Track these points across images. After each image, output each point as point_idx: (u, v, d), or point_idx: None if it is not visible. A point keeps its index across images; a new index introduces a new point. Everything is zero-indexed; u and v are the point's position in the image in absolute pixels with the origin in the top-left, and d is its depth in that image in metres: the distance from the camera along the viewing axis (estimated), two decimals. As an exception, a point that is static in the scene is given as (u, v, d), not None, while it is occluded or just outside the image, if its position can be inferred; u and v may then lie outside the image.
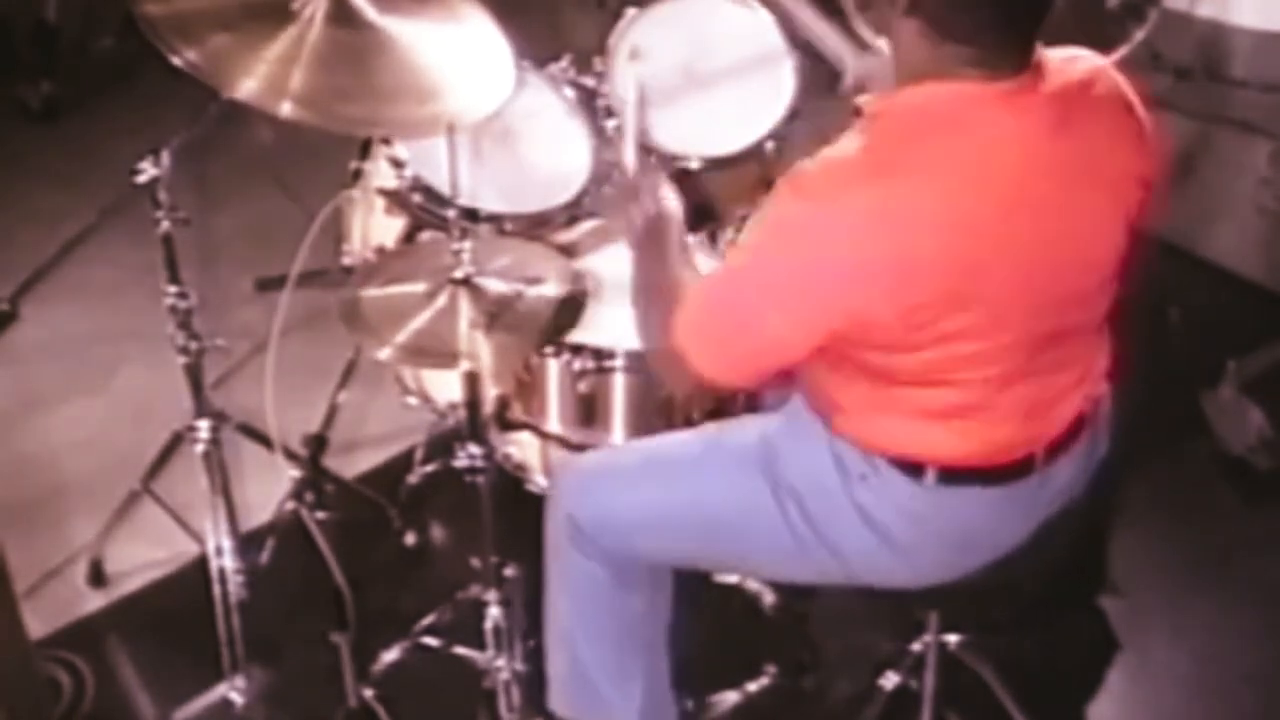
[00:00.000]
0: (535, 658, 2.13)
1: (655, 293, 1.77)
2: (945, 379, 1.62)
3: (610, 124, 2.48)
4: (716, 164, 2.49)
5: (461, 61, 1.99)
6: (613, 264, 2.30)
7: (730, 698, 2.28)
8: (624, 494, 1.93)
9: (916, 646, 2.14)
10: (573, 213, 2.39)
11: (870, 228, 1.49)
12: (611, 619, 1.99)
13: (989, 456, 1.70)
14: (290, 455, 2.51)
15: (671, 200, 1.89)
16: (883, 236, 1.49)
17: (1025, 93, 1.54)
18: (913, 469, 1.69)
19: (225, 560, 2.23)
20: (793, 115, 2.49)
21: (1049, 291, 1.59)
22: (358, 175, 2.46)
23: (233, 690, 2.25)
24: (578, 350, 2.16)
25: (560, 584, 2.00)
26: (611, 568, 1.94)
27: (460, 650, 2.24)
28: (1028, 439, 1.71)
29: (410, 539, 2.63)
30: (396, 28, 1.95)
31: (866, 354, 1.60)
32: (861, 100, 1.60)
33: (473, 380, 1.94)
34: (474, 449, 1.97)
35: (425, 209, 2.29)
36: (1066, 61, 1.60)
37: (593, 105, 2.48)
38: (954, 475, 1.70)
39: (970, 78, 1.52)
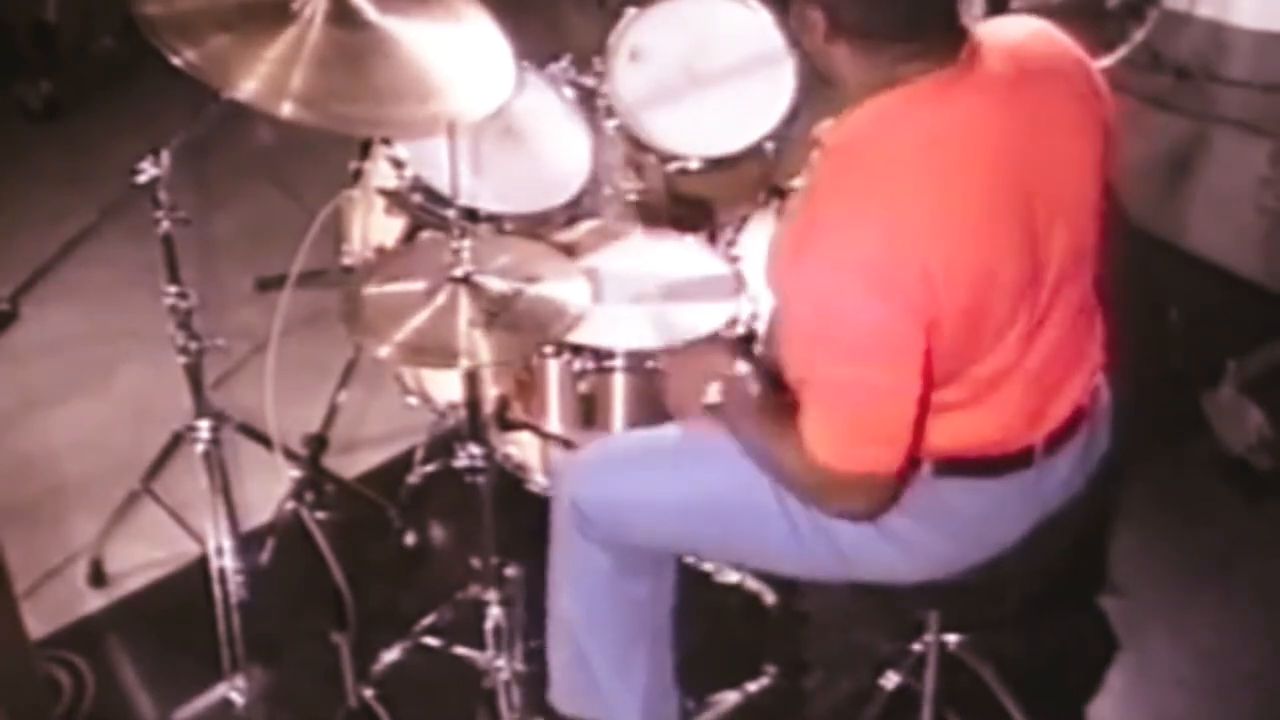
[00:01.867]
0: (535, 658, 2.13)
1: (767, 443, 1.71)
2: (959, 372, 1.61)
3: (611, 124, 2.48)
4: (716, 164, 2.49)
5: (461, 61, 1.99)
6: (613, 264, 2.30)
7: (730, 698, 2.28)
8: (627, 480, 1.93)
9: (916, 646, 2.14)
10: (573, 213, 2.39)
11: (883, 270, 1.48)
12: (614, 606, 1.99)
13: (986, 449, 1.70)
14: (290, 455, 2.50)
15: (739, 366, 1.82)
16: (893, 252, 1.48)
17: (967, 73, 1.54)
18: (910, 461, 1.68)
19: (225, 560, 2.23)
20: (793, 115, 2.49)
21: (1037, 264, 1.59)
22: (358, 175, 2.46)
23: (233, 690, 2.25)
24: (578, 350, 2.16)
25: (564, 572, 2.00)
26: (614, 554, 1.94)
27: (460, 650, 2.24)
28: (1026, 431, 1.71)
29: (410, 539, 2.63)
30: (396, 28, 1.95)
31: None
32: (820, 129, 1.60)
33: (473, 380, 1.94)
34: (474, 449, 1.98)
35: (425, 209, 2.29)
36: (996, 28, 1.60)
37: (593, 105, 2.48)
38: (951, 467, 1.70)
39: (913, 76, 1.52)
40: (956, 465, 1.70)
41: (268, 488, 2.55)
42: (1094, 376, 1.78)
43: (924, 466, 1.69)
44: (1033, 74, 1.59)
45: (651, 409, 2.15)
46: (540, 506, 2.06)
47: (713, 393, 1.77)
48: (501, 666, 2.10)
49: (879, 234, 1.49)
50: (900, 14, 1.52)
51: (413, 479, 2.65)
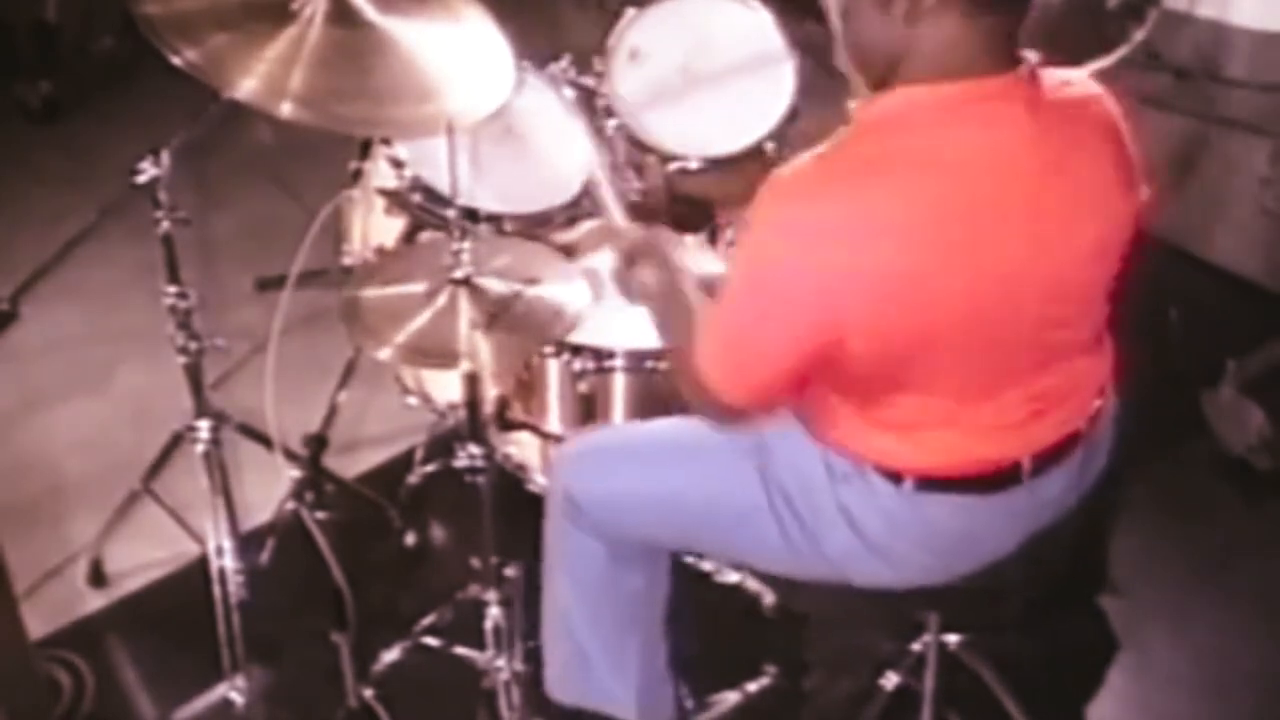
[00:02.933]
0: (535, 657, 2.12)
1: (679, 336, 1.75)
2: (915, 389, 1.61)
3: (611, 124, 2.48)
4: (716, 164, 2.49)
5: (461, 61, 1.99)
6: (613, 264, 2.30)
7: (730, 698, 2.28)
8: (621, 472, 1.93)
9: (916, 646, 2.14)
10: (572, 213, 2.39)
11: (837, 238, 1.49)
12: (610, 597, 1.99)
13: (969, 467, 1.68)
14: (290, 455, 2.51)
15: (673, 243, 1.89)
16: (849, 247, 1.49)
17: (1007, 98, 1.52)
18: (893, 475, 1.69)
19: (225, 560, 2.23)
20: (793, 115, 2.49)
21: (1019, 305, 1.57)
22: (358, 175, 2.46)
23: (233, 690, 2.25)
24: (578, 350, 2.16)
25: (559, 562, 2.00)
26: (609, 545, 1.94)
27: (460, 650, 2.24)
28: (1010, 451, 1.69)
29: (410, 539, 2.63)
30: (396, 28, 1.95)
31: (844, 364, 1.59)
32: (853, 106, 1.59)
33: (473, 380, 1.94)
34: (474, 449, 1.98)
35: (425, 209, 2.29)
36: (1061, 84, 1.59)
37: (592, 105, 2.48)
38: (932, 483, 1.69)
39: (965, 75, 1.51)
40: (938, 482, 1.69)
41: (268, 488, 2.55)
42: (1092, 399, 1.76)
43: (905, 483, 1.69)
44: (1068, 136, 1.57)
45: (652, 409, 2.15)
46: (540, 506, 2.05)
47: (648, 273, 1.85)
48: (501, 666, 2.10)
49: (843, 219, 1.49)
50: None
51: (413, 479, 2.65)
